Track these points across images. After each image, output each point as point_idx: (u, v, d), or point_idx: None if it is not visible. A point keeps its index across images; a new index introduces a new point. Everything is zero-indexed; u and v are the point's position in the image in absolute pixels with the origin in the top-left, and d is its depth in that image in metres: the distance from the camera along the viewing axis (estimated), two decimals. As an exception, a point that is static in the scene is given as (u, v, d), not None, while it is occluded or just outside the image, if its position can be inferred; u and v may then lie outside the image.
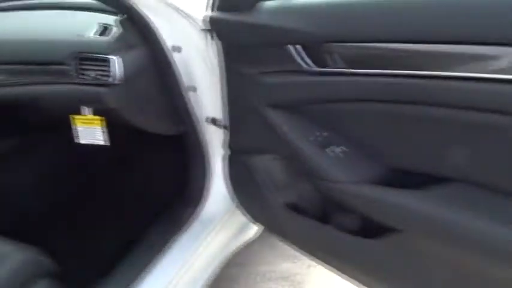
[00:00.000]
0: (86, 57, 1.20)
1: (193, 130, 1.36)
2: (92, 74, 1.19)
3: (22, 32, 1.37)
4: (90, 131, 1.27)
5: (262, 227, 1.60)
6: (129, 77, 1.19)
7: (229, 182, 1.36)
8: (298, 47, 0.91)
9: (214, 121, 1.36)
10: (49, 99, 1.29)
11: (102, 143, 1.28)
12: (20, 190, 1.63)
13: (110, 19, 1.31)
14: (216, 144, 1.39)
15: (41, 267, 1.04)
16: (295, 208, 1.13)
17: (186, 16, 1.30)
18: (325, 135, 0.96)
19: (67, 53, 1.22)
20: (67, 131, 1.47)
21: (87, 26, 1.30)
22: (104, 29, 1.27)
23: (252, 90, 1.07)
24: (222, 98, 1.23)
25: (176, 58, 1.27)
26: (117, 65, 1.17)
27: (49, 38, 1.30)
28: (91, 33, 1.26)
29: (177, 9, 1.28)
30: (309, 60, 0.91)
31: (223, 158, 1.34)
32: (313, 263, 1.81)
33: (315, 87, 0.92)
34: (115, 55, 1.18)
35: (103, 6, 1.36)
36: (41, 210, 1.62)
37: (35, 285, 0.96)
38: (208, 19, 1.09)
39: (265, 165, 1.16)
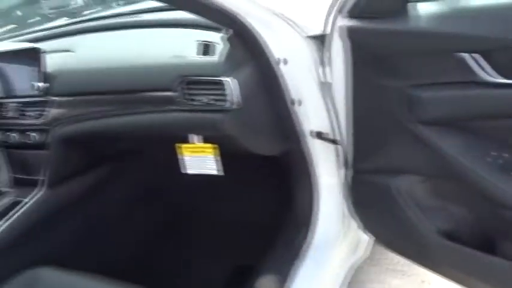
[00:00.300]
0: (194, 81, 1.09)
1: (299, 146, 1.24)
2: (204, 99, 1.07)
3: (117, 57, 1.27)
4: (200, 160, 1.16)
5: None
6: (245, 99, 1.08)
7: (350, 203, 1.24)
8: (476, 55, 0.76)
9: (319, 135, 1.24)
10: (153, 129, 1.19)
11: (214, 172, 1.16)
12: (114, 220, 1.56)
13: (209, 35, 1.20)
14: (320, 160, 1.27)
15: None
16: (449, 235, 0.99)
17: (293, 25, 1.18)
18: (506, 157, 0.81)
19: (172, 77, 1.11)
20: (162, 156, 1.38)
21: (186, 45, 1.18)
22: (206, 48, 1.16)
23: (397, 105, 0.93)
24: (347, 112, 1.10)
25: (283, 71, 1.16)
26: (232, 87, 1.05)
27: (149, 62, 1.19)
28: (193, 53, 1.14)
29: (284, 18, 1.15)
30: (491, 70, 0.76)
31: (345, 177, 1.22)
32: (426, 278, 1.67)
33: (499, 101, 0.78)
34: (228, 76, 1.06)
35: (198, 21, 1.26)
36: (138, 241, 1.55)
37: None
38: (342, 28, 0.95)
39: (408, 186, 1.02)
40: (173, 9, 1.39)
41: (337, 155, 1.27)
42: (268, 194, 1.51)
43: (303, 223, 1.32)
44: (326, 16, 1.05)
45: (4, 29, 2.51)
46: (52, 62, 1.35)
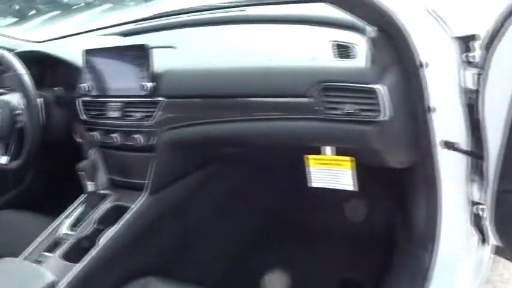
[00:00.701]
0: (336, 88, 0.98)
1: (429, 157, 1.12)
2: (348, 108, 0.97)
3: (231, 56, 1.17)
4: (331, 173, 1.05)
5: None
6: (394, 109, 0.96)
7: (493, 224, 1.12)
8: None
9: (452, 146, 1.12)
10: (277, 138, 1.09)
11: (350, 188, 1.06)
12: (211, 226, 1.49)
13: (342, 35, 1.08)
14: (448, 173, 1.15)
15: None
16: None
17: (442, 23, 1.05)
18: None
19: (307, 83, 1.00)
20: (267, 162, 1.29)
21: (318, 46, 1.08)
22: (343, 49, 1.04)
23: None
24: (506, 122, 0.97)
25: (425, 75, 1.04)
26: (384, 96, 0.94)
27: (273, 64, 1.08)
28: (329, 55, 1.03)
29: (435, 15, 1.03)
30: None
31: (491, 194, 1.10)
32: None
33: None
34: (379, 84, 0.94)
35: (325, 18, 1.14)
36: (235, 249, 1.48)
37: None
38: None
39: None
40: (289, 2, 1.28)
41: (468, 168, 1.16)
42: (381, 206, 1.40)
43: (428, 242, 1.21)
44: (498, 16, 0.92)
45: (49, 15, 2.49)
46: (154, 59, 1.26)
